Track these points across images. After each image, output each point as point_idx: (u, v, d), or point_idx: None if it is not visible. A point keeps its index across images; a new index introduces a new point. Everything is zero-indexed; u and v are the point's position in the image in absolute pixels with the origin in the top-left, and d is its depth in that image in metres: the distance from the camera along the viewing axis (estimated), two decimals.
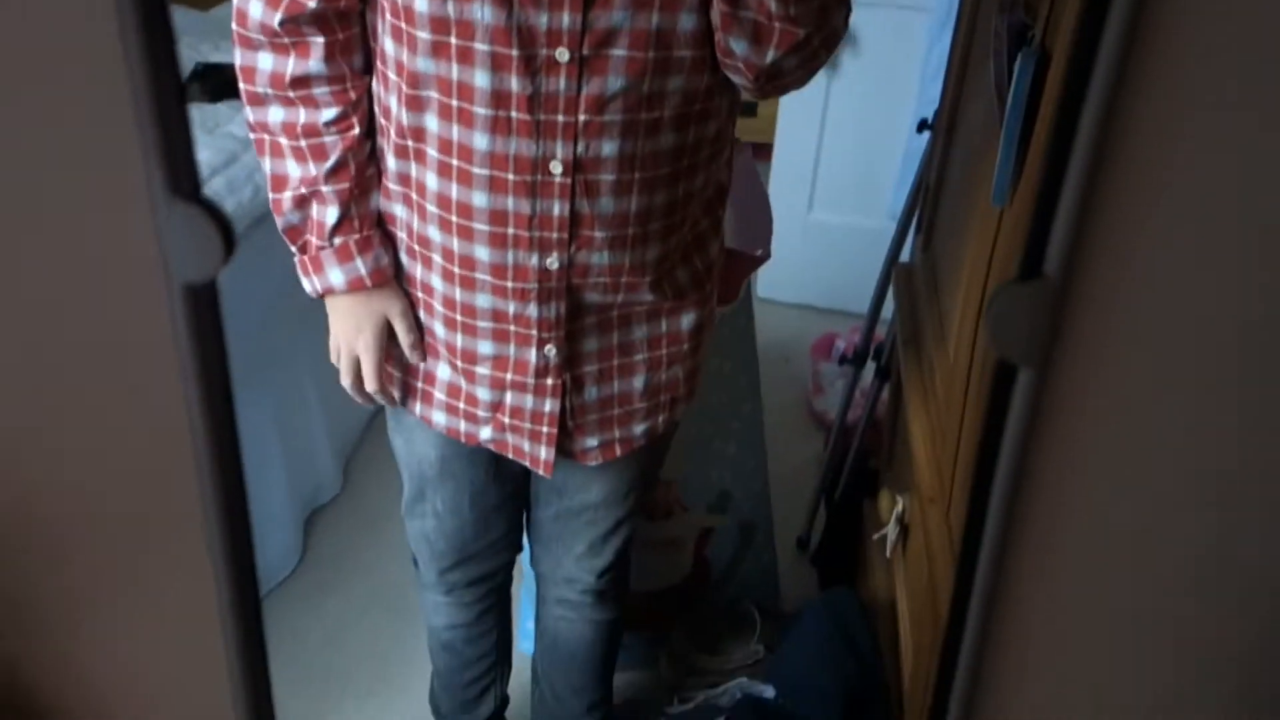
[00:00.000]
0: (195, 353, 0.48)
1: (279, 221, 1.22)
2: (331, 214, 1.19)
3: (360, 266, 1.21)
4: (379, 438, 2.49)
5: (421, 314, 1.25)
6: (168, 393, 0.50)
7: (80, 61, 0.44)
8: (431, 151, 1.11)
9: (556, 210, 1.11)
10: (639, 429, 1.33)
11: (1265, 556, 0.56)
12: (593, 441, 1.31)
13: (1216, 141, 0.47)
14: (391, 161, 1.18)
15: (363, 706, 1.95)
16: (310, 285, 1.23)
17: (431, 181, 1.13)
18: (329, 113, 1.17)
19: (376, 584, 2.19)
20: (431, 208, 1.15)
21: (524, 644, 1.91)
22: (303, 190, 1.19)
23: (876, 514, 2.00)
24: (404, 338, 1.26)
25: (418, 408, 1.32)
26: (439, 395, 1.29)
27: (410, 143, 1.13)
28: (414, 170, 1.15)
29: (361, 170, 1.20)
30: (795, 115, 2.77)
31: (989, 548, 0.58)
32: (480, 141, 1.08)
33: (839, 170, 2.86)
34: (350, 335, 1.25)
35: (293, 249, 1.24)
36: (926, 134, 1.86)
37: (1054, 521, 0.57)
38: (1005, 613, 0.60)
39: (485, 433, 1.30)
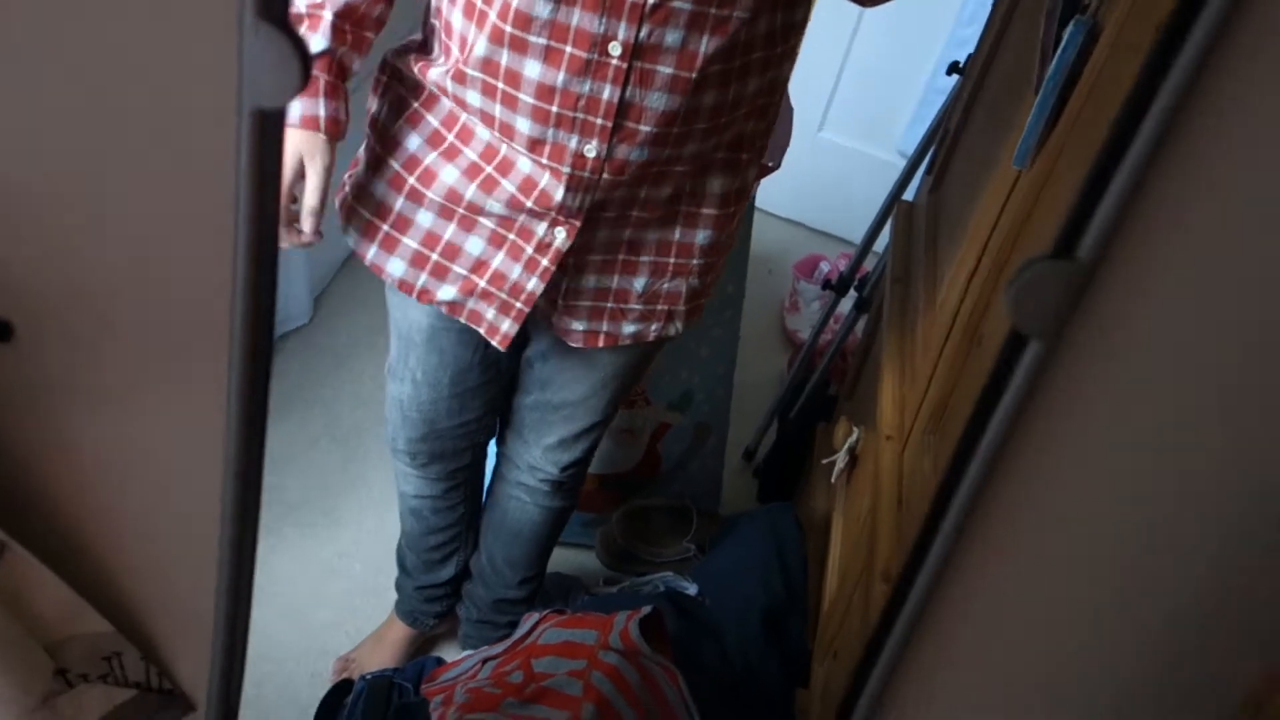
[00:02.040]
0: (253, 178, 0.48)
1: None
2: (317, 42, 1.15)
3: (321, 107, 1.17)
4: (353, 276, 2.49)
5: (434, 155, 1.21)
6: (217, 210, 0.50)
7: None
8: (491, 14, 1.08)
9: (606, 94, 1.09)
10: (628, 329, 1.33)
11: (1222, 583, 0.58)
12: (579, 325, 1.31)
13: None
14: (455, 21, 1.13)
15: (303, 535, 1.99)
16: None
17: (481, 45, 1.10)
18: None
19: (331, 417, 2.21)
20: (474, 72, 1.12)
21: None
22: (302, 8, 1.15)
23: (829, 439, 2.05)
24: (312, 195, 1.19)
25: (371, 251, 1.27)
26: (408, 242, 1.25)
27: (478, 3, 1.09)
28: (471, 33, 1.11)
29: (363, 22, 1.18)
30: (824, 32, 2.73)
31: (956, 510, 0.60)
32: (542, 8, 1.05)
33: (856, 95, 2.84)
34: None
35: None
36: (954, 77, 1.85)
37: (1026, 498, 0.59)
38: (955, 578, 0.62)
39: (447, 291, 1.26)
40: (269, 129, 0.48)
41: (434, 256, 1.25)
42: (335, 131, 1.19)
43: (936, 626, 0.65)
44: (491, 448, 1.70)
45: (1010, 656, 0.65)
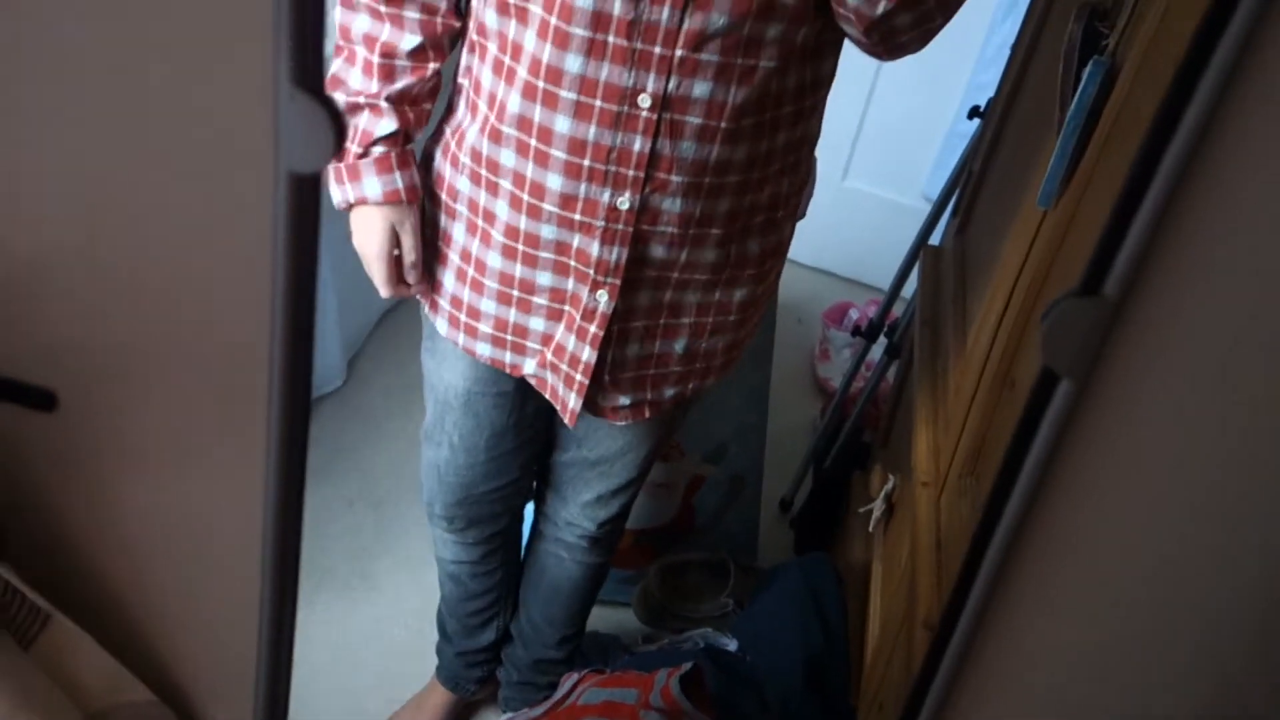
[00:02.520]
0: (290, 242, 0.50)
1: None
2: (385, 126, 1.20)
3: (399, 180, 1.23)
4: (386, 338, 2.52)
5: (476, 243, 1.25)
6: (257, 274, 0.52)
7: None
8: (521, 71, 1.10)
9: (637, 146, 1.10)
10: (669, 392, 1.33)
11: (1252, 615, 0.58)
12: (625, 400, 1.32)
13: None
14: (485, 79, 1.17)
15: (338, 599, 1.99)
16: (341, 195, 1.24)
17: (514, 103, 1.12)
18: (411, 40, 1.18)
19: (366, 480, 2.22)
20: (509, 130, 1.14)
21: None
22: (360, 100, 1.20)
23: (865, 487, 2.04)
24: (409, 254, 1.27)
25: (460, 338, 1.32)
26: (484, 329, 1.29)
27: (506, 59, 1.12)
28: (501, 91, 1.14)
29: (419, 99, 1.23)
30: (845, 80, 2.74)
31: (995, 550, 0.60)
32: (573, 64, 1.07)
33: (879, 142, 2.85)
34: (362, 244, 1.27)
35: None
36: (975, 121, 1.86)
37: (1064, 536, 0.59)
38: (996, 620, 0.62)
39: (530, 365, 1.30)
40: (304, 192, 0.49)
41: (509, 337, 1.29)
42: (414, 197, 1.26)
43: (980, 671, 0.65)
44: (528, 509, 1.70)
45: (1055, 697, 0.64)
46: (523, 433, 1.46)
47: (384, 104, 1.20)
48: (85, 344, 0.60)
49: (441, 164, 1.26)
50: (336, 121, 0.47)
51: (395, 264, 1.28)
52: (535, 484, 1.63)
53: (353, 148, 1.22)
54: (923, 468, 1.51)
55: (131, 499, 0.67)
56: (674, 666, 1.37)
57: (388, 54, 1.18)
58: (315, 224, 0.50)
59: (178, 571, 0.70)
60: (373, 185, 1.22)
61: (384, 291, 1.30)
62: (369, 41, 1.18)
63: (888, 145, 2.85)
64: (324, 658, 1.90)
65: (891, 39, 1.10)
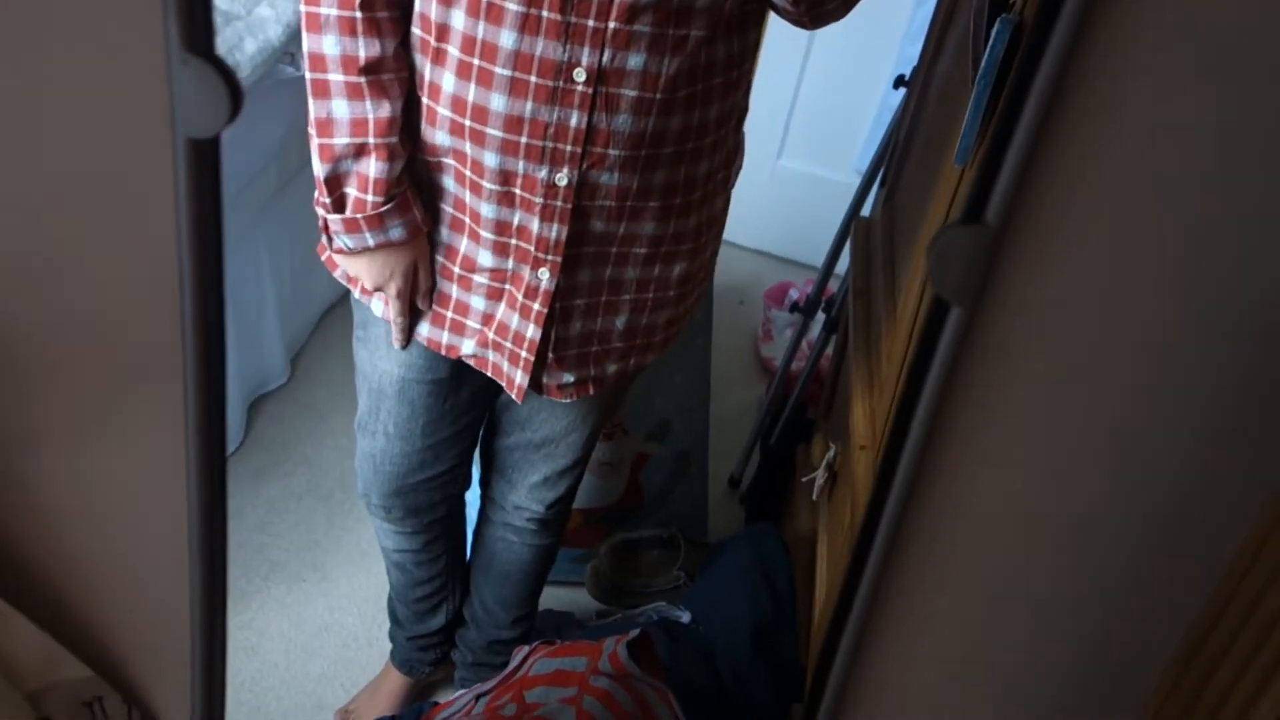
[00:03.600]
0: (192, 209, 0.50)
1: (323, 169, 1.16)
2: (395, 167, 1.16)
3: (416, 213, 1.21)
4: (328, 334, 2.51)
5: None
6: (161, 244, 0.52)
7: None
8: (453, 50, 1.10)
9: (574, 121, 1.11)
10: (611, 368, 1.35)
11: (1142, 545, 0.60)
12: (569, 377, 1.32)
13: (1164, 118, 0.51)
14: (416, 63, 1.15)
15: (290, 592, 1.99)
16: (358, 241, 1.19)
17: (448, 83, 1.12)
18: (389, 45, 1.13)
19: (314, 474, 2.22)
20: (444, 110, 1.14)
21: None
22: (366, 139, 1.14)
23: (809, 459, 2.07)
24: (425, 282, 1.27)
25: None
26: (424, 304, 1.30)
27: (433, 41, 1.11)
28: (429, 72, 1.14)
29: (402, 116, 1.17)
30: (776, 60, 2.78)
31: (899, 485, 0.62)
32: (506, 39, 1.07)
33: (812, 120, 2.88)
34: (383, 281, 1.25)
35: (325, 200, 1.19)
36: (901, 91, 1.89)
37: (960, 466, 0.61)
38: (901, 560, 0.64)
39: (468, 346, 1.31)
40: (203, 158, 0.50)
41: (449, 314, 1.29)
42: (429, 222, 1.24)
43: (887, 613, 0.67)
44: (472, 494, 1.71)
45: (957, 640, 0.66)
46: (459, 419, 1.46)
47: (376, 141, 1.14)
48: None
49: None
50: (230, 84, 0.48)
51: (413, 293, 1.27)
52: (481, 470, 1.64)
53: (371, 198, 1.17)
54: (860, 432, 1.53)
55: (47, 478, 0.67)
56: (622, 634, 1.39)
57: (372, 69, 1.13)
58: (217, 189, 0.51)
59: (105, 551, 0.71)
60: (397, 229, 1.20)
61: (400, 330, 1.29)
62: (348, 64, 1.12)
63: (820, 123, 2.87)
64: (279, 649, 1.90)
65: (817, 7, 1.12)
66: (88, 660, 0.75)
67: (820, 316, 2.16)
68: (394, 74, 1.15)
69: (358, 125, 1.14)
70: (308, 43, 1.13)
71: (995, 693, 0.68)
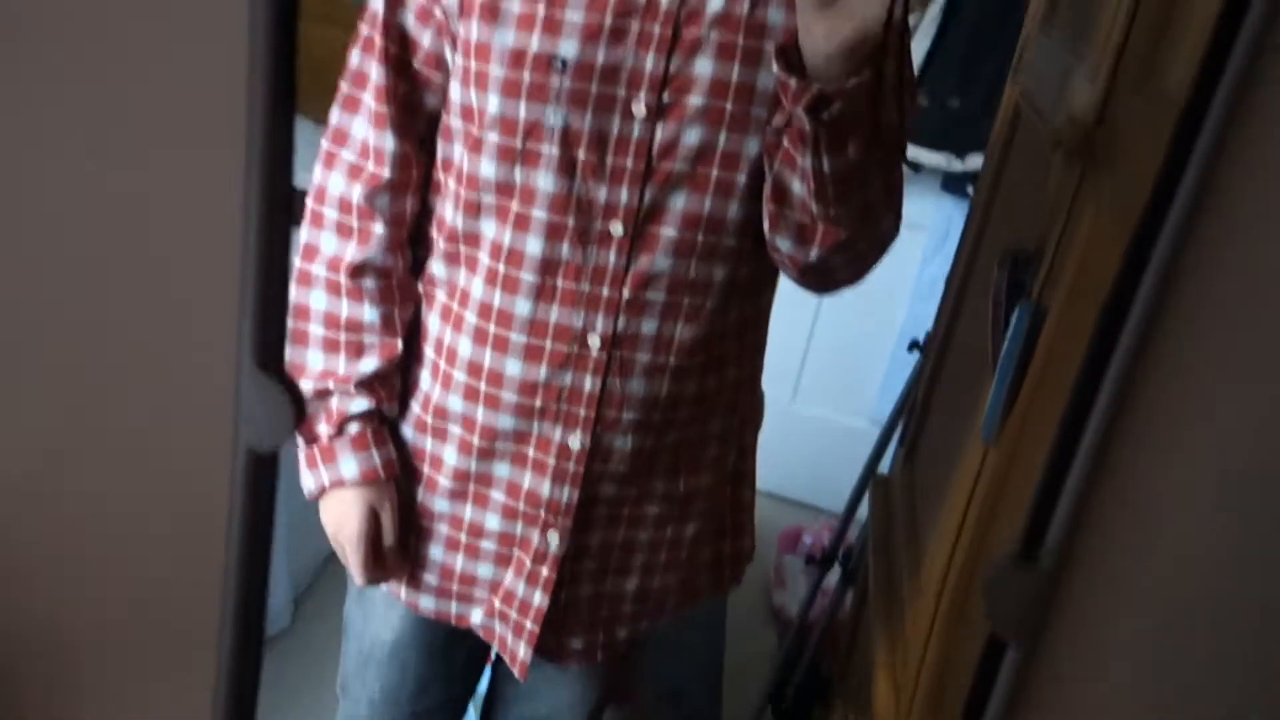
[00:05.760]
0: (245, 520, 0.50)
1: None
2: (358, 404, 1.16)
3: (375, 457, 1.18)
4: (335, 576, 2.47)
5: (421, 490, 1.22)
6: (211, 549, 0.52)
7: (194, 237, 0.48)
8: (470, 316, 1.12)
9: (588, 386, 1.11)
10: (622, 633, 1.30)
11: None
12: (578, 643, 1.27)
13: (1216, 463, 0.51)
14: (433, 326, 1.17)
15: None
16: (315, 480, 1.18)
17: (465, 348, 1.13)
18: (372, 313, 1.15)
19: None
20: (460, 375, 1.14)
21: None
22: (329, 384, 1.16)
23: None
24: (388, 535, 1.21)
25: (402, 592, 1.27)
26: (428, 578, 1.25)
27: (455, 306, 1.13)
28: (448, 336, 1.15)
29: (390, 379, 1.19)
30: (789, 307, 2.85)
31: None
32: (522, 307, 1.09)
33: (825, 366, 2.93)
34: (336, 527, 1.20)
35: (298, 441, 1.20)
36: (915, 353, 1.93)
37: None
38: None
39: (477, 615, 1.25)
40: (262, 469, 0.50)
41: (456, 586, 1.24)
42: (392, 472, 1.20)
43: None
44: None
45: None
46: (450, 687, 1.40)
47: (354, 388, 1.16)
48: (43, 617, 0.59)
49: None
50: (296, 403, 0.49)
51: (374, 546, 1.20)
52: None
53: (325, 429, 1.16)
54: (884, 705, 1.48)
55: None
56: None
57: (352, 328, 1.15)
58: (272, 499, 0.51)
59: None
60: (349, 465, 1.17)
61: (360, 578, 1.22)
62: (330, 320, 1.15)
63: (834, 369, 2.92)
64: None
65: (826, 276, 1.14)
66: None
67: (836, 569, 2.13)
68: (378, 336, 1.17)
69: (327, 373, 1.16)
70: (294, 294, 1.16)
71: None
